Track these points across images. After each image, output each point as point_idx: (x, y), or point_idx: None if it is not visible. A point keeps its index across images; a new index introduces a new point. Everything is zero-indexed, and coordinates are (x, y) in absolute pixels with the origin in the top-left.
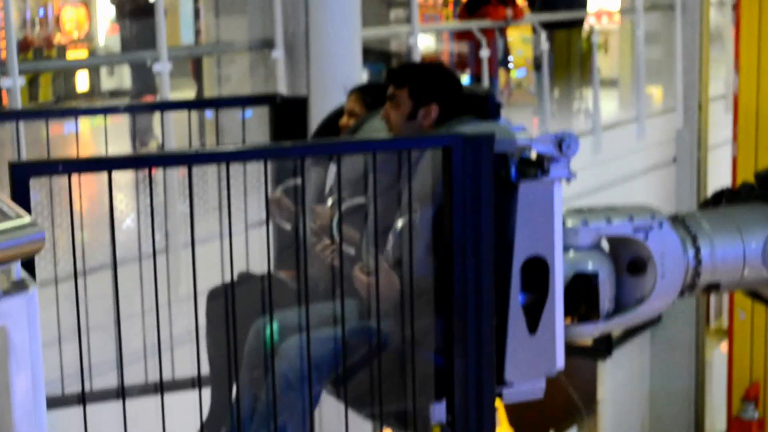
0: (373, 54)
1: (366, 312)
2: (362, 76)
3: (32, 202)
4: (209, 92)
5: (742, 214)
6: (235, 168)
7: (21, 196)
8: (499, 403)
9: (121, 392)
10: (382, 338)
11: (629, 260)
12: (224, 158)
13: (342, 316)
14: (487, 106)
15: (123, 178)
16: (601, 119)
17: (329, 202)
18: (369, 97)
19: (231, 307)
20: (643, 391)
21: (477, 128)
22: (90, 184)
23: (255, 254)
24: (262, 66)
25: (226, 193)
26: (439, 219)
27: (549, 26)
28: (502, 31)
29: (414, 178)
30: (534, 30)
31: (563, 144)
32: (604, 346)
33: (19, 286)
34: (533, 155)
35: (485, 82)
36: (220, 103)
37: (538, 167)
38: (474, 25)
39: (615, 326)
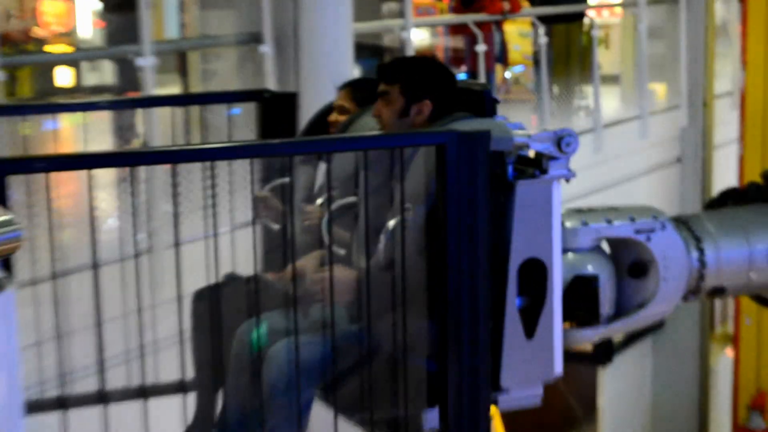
0: (364, 49)
1: (356, 315)
2: (353, 72)
3: (10, 200)
4: (195, 88)
5: (749, 216)
6: (221, 166)
7: None
8: (494, 411)
9: (103, 397)
10: (374, 342)
11: (631, 263)
12: (210, 156)
13: (332, 319)
14: (483, 102)
15: (104, 176)
16: (601, 117)
17: (319, 201)
18: (360, 93)
19: (217, 309)
20: (644, 399)
21: (472, 125)
22: (70, 182)
23: (242, 255)
24: (249, 61)
25: (211, 193)
26: (433, 219)
27: (548, 20)
28: (499, 25)
29: (407, 177)
30: (532, 24)
31: (562, 142)
32: (605, 352)
33: None
34: (531, 153)
35: (481, 77)
36: (206, 99)
37: (536, 166)
38: (470, 18)
39: (616, 331)
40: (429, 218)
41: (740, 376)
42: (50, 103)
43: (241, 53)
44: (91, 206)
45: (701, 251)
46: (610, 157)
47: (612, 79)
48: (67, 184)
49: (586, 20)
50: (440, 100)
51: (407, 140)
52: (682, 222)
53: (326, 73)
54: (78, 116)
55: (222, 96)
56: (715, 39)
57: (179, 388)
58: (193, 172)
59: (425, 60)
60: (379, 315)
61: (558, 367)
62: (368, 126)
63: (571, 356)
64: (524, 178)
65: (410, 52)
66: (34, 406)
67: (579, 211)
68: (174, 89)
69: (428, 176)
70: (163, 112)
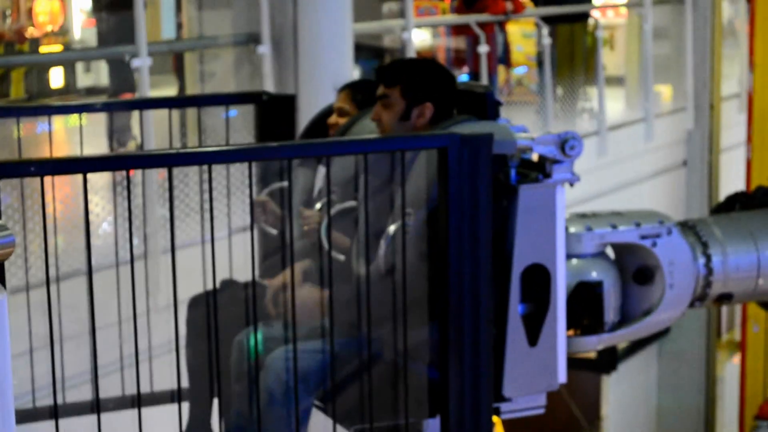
0: (365, 50)
1: (356, 322)
2: (353, 73)
3: (2, 205)
4: (191, 90)
5: (757, 221)
6: (218, 170)
7: None
8: (496, 420)
9: (96, 406)
10: (374, 350)
11: (636, 269)
12: (207, 159)
13: (331, 326)
14: (485, 104)
15: (99, 180)
16: (606, 119)
17: (318, 205)
18: (360, 95)
19: (213, 316)
20: (649, 408)
21: (475, 128)
22: (64, 186)
23: (239, 260)
24: (247, 62)
25: (208, 196)
26: (434, 224)
27: (551, 20)
28: (502, 26)
29: (408, 181)
30: (536, 24)
31: (566, 145)
32: (609, 360)
33: None
34: (534, 157)
35: (484, 79)
36: (202, 101)
37: (539, 170)
38: (472, 19)
39: (620, 339)
40: (430, 223)
41: (747, 384)
42: (44, 104)
43: (238, 54)
44: (86, 210)
45: (708, 257)
46: (614, 161)
47: (617, 81)
48: (61, 187)
49: (590, 21)
50: (441, 103)
51: (408, 143)
52: (688, 227)
53: (326, 74)
54: (73, 118)
55: (219, 98)
56: (722, 40)
57: (174, 397)
58: (189, 176)
59: (425, 62)
60: (380, 322)
61: (561, 375)
62: (368, 128)
63: (574, 363)
64: (527, 182)
65: (411, 53)
66: (26, 416)
67: (583, 216)
68: (170, 91)
69: (429, 180)
70: (159, 115)
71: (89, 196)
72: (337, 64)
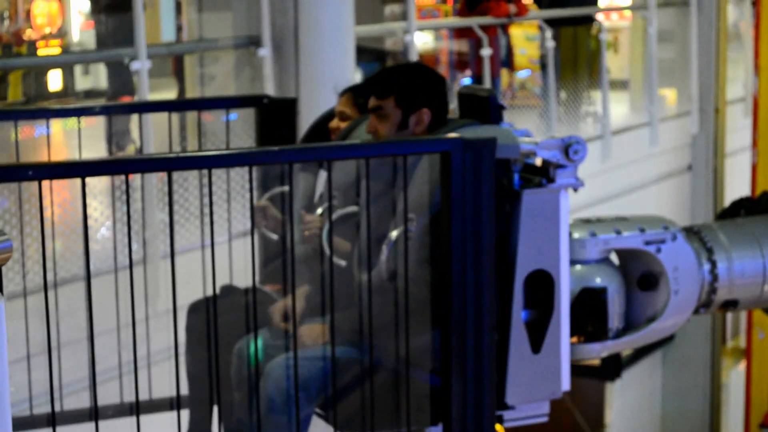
0: (366, 53)
1: (357, 329)
2: (355, 77)
3: (0, 209)
4: (191, 93)
5: (762, 226)
6: (219, 174)
7: None
8: (499, 428)
9: (95, 413)
10: (375, 356)
11: (640, 275)
12: (207, 163)
13: (332, 333)
14: (488, 108)
15: (98, 184)
16: (610, 123)
17: (319, 210)
18: (361, 98)
19: (213, 322)
20: (654, 415)
21: (478, 132)
22: (62, 190)
23: (239, 266)
24: (247, 65)
25: (208, 201)
26: (437, 229)
27: (555, 23)
28: (505, 29)
29: (410, 186)
30: (539, 27)
31: (570, 150)
32: (613, 367)
33: None
34: (538, 161)
35: (487, 82)
36: (202, 105)
37: (543, 175)
38: (475, 22)
39: (625, 346)
40: (432, 228)
41: (752, 391)
42: (42, 108)
43: (239, 57)
44: (85, 215)
45: (713, 263)
46: (619, 165)
47: (621, 85)
48: (59, 191)
49: (594, 24)
50: (437, 107)
51: (410, 147)
52: (693, 233)
53: (327, 77)
54: (71, 121)
55: (220, 101)
56: (727, 43)
57: (173, 404)
58: (189, 180)
59: (414, 66)
60: (381, 328)
61: (565, 383)
62: None
63: (578, 370)
64: (531, 187)
65: (414, 56)
66: (24, 423)
67: (587, 222)
68: (170, 94)
69: (432, 185)
70: (158, 118)
71: (88, 201)
72: (339, 67)
